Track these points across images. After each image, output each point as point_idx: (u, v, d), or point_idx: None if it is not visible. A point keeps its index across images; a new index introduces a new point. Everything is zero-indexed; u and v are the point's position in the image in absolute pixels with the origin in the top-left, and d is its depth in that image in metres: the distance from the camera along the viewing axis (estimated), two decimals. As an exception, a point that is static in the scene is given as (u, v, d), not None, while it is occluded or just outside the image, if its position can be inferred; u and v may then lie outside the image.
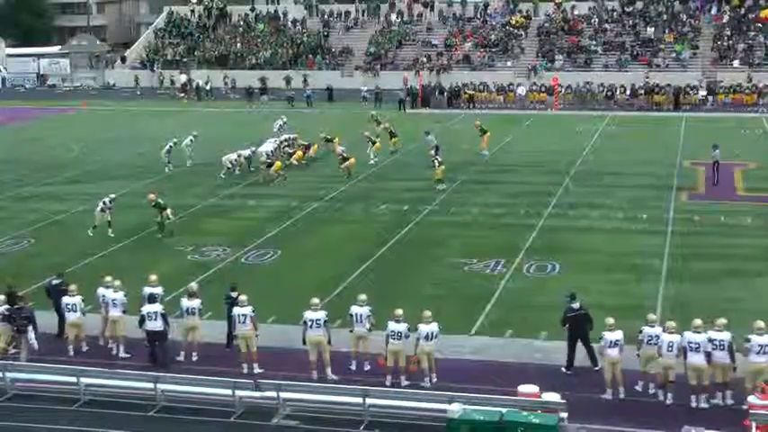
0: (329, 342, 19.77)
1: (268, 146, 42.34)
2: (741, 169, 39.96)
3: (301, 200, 36.06)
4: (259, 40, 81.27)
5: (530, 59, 72.90)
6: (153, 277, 21.84)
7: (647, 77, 66.02)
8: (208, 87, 72.24)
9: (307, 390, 18.15)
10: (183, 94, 72.45)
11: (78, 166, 44.61)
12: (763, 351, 17.75)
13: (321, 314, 19.76)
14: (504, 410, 16.18)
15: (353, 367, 20.14)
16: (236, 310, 20.27)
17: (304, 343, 19.77)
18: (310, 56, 77.99)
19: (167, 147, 42.87)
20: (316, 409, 17.80)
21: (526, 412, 16.14)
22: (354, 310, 20.11)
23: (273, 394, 17.95)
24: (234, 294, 21.21)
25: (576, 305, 20.00)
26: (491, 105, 64.04)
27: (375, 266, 27.62)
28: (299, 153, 43.42)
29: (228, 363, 20.34)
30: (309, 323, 19.70)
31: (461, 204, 35.05)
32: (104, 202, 31.42)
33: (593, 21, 76.60)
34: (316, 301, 20.05)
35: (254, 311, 20.22)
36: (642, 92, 62.77)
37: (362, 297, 20.31)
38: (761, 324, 18.08)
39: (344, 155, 40.86)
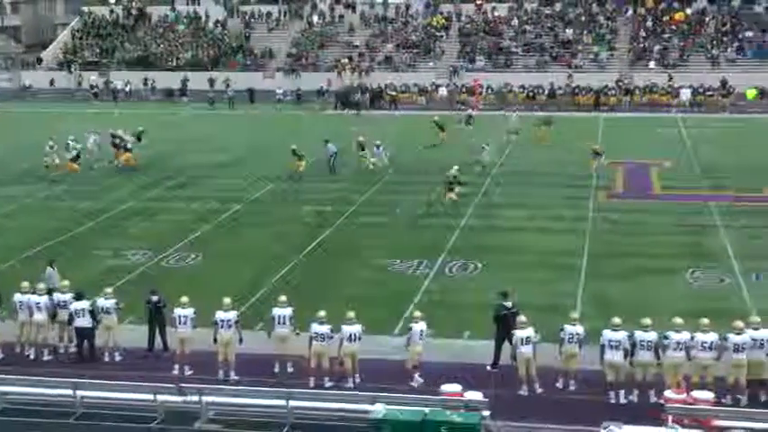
0: (240, 342, 19.77)
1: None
2: (657, 169, 40.69)
3: (223, 202, 35.80)
4: (180, 41, 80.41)
5: (451, 60, 73.39)
6: (65, 282, 21.64)
7: (570, 78, 66.96)
8: (127, 89, 71.28)
9: (230, 393, 17.97)
10: (94, 96, 71.16)
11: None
12: (680, 347, 18.14)
13: (232, 314, 19.79)
14: (427, 410, 16.22)
15: (276, 369, 20.07)
16: (177, 312, 20.21)
17: (215, 342, 19.74)
18: (232, 57, 77.41)
19: (92, 139, 43.43)
20: (239, 412, 17.65)
21: (449, 411, 16.21)
22: (276, 312, 20.06)
23: (196, 398, 17.74)
24: (155, 298, 21.08)
25: (508, 303, 20.20)
26: (414, 106, 64.32)
27: (298, 268, 27.53)
28: (127, 155, 42.94)
29: (151, 367, 20.12)
30: (220, 323, 19.70)
31: (385, 205, 35.11)
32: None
33: (512, 22, 77.41)
34: (227, 300, 20.04)
35: (195, 313, 20.15)
36: (561, 92, 63.72)
37: (283, 299, 20.29)
38: (678, 321, 18.47)
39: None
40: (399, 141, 47.10)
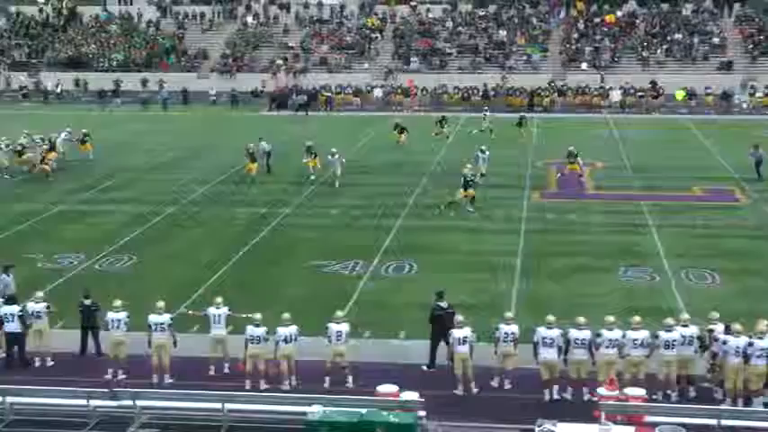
0: (175, 345, 19.67)
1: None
2: (590, 168, 41.19)
3: (157, 204, 35.47)
4: (112, 41, 79.37)
5: (386, 62, 73.54)
6: None
7: (505, 79, 67.51)
8: (58, 90, 70.25)
9: (165, 397, 17.84)
10: (24, 97, 69.97)
11: None
12: (612, 345, 18.40)
13: (165, 317, 19.67)
14: (363, 411, 16.28)
15: (212, 372, 19.96)
16: (111, 315, 19.97)
17: (149, 346, 19.60)
18: (165, 58, 76.66)
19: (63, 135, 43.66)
20: (174, 416, 17.52)
21: (385, 412, 16.27)
22: (212, 311, 20.01)
23: (130, 402, 17.58)
24: (87, 302, 20.87)
25: (444, 303, 20.31)
26: (349, 107, 64.35)
27: (233, 270, 27.40)
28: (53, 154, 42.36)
29: (84, 371, 19.88)
30: (154, 326, 19.58)
31: (319, 206, 35.09)
32: None
33: (447, 24, 77.80)
34: (161, 304, 19.90)
35: (128, 317, 19.95)
36: (494, 93, 64.24)
37: (219, 300, 20.21)
38: (610, 318, 18.73)
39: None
40: (338, 142, 46.99)
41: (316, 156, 39.39)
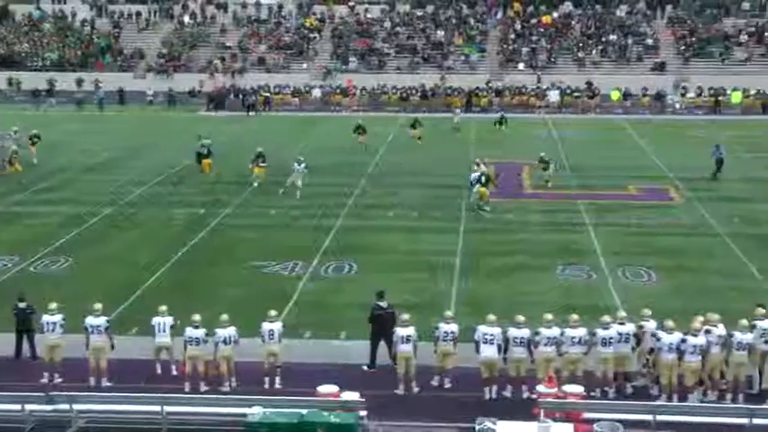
0: (112, 348, 19.47)
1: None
2: (528, 168, 41.53)
3: (94, 205, 35.03)
4: (45, 40, 78.19)
5: (324, 62, 73.45)
6: None
7: (443, 80, 67.78)
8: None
9: (102, 400, 17.63)
10: None
11: None
12: (551, 343, 18.57)
13: (102, 320, 19.44)
14: (304, 411, 16.25)
15: (159, 371, 19.83)
16: (46, 318, 19.68)
17: (87, 349, 19.36)
18: (100, 57, 75.71)
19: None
20: (112, 419, 17.33)
21: (326, 412, 16.26)
22: (156, 320, 19.81)
23: (66, 406, 17.34)
24: (22, 305, 20.54)
25: (383, 303, 20.33)
26: (287, 107, 64.16)
27: (171, 271, 27.17)
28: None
29: (19, 375, 19.57)
30: (91, 329, 19.35)
31: (259, 206, 34.94)
32: None
33: (385, 24, 77.94)
34: (98, 306, 19.67)
35: (64, 320, 19.67)
36: (432, 93, 64.52)
37: (163, 308, 19.94)
38: (548, 317, 18.91)
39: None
40: (278, 143, 46.86)
41: (264, 162, 38.38)
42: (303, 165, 37.27)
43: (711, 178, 39.32)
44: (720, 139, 44.10)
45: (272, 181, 38.34)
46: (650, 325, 18.98)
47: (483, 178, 34.60)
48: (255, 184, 37.83)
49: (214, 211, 34.03)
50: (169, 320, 19.74)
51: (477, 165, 35.87)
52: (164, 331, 19.70)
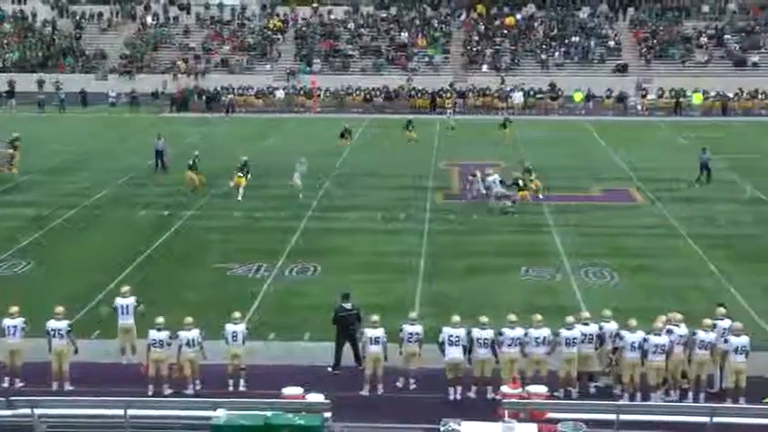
0: (75, 351, 19.34)
1: None
2: (494, 169, 41.52)
3: (57, 207, 34.74)
4: (5, 41, 77.41)
5: (288, 63, 73.32)
6: None
7: (410, 81, 67.86)
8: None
9: (64, 404, 17.47)
10: None
11: None
12: (515, 343, 18.65)
13: (63, 323, 19.31)
14: (269, 414, 16.20)
15: (124, 362, 19.85)
16: (6, 322, 19.50)
17: (50, 352, 19.23)
18: (61, 58, 75.06)
19: None
20: (74, 423, 17.18)
21: (291, 414, 16.22)
22: (119, 301, 20.06)
23: (28, 411, 17.16)
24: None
25: (348, 305, 20.33)
26: (251, 109, 63.96)
27: (135, 273, 26.97)
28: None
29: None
30: (53, 332, 19.22)
31: (223, 208, 34.80)
32: None
33: (349, 25, 77.93)
34: (59, 309, 19.55)
35: (25, 323, 19.47)
36: (396, 95, 64.61)
37: (125, 289, 20.11)
38: (512, 317, 18.98)
39: None
40: (242, 144, 46.74)
41: (248, 173, 36.79)
42: (305, 166, 37.69)
43: (705, 182, 39.05)
44: (681, 141, 44.44)
45: (226, 183, 38.19)
46: (611, 326, 19.12)
47: (520, 182, 35.00)
48: (240, 198, 35.78)
49: (178, 213, 33.87)
50: (131, 301, 20.00)
51: (482, 173, 35.87)
52: (126, 313, 19.71)
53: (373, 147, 48.41)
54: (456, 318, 19.04)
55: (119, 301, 20.43)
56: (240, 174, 36.51)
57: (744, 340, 18.40)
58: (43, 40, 77.37)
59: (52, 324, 19.24)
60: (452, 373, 18.79)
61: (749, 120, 60.12)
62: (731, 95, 63.42)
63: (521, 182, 35.12)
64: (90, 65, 74.83)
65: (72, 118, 60.09)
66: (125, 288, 20.87)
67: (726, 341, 18.55)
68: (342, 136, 48.13)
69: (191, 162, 37.87)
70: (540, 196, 36.18)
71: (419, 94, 64.96)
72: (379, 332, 19.04)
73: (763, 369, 19.24)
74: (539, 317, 19.03)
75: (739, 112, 62.80)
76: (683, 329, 18.73)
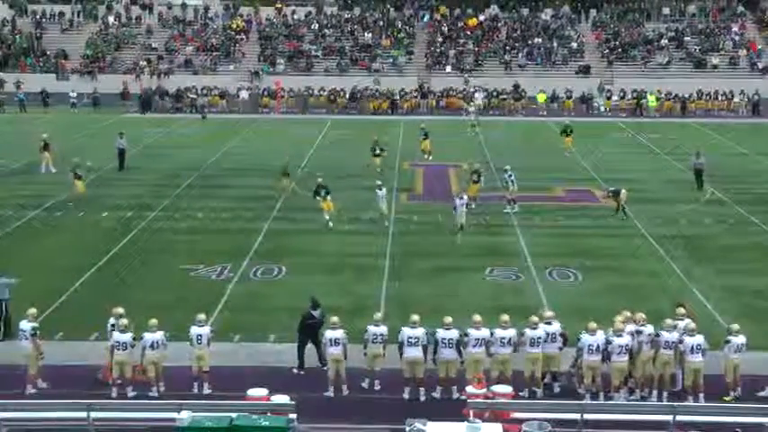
0: (41, 354, 19.15)
1: None
2: (455, 170, 41.77)
3: (17, 209, 34.39)
4: (-36, 41, 76.55)
5: (252, 64, 73.09)
6: None
7: (377, 82, 67.86)
8: None
9: (25, 407, 17.31)
10: None
11: None
12: (480, 344, 18.71)
13: (28, 326, 19.14)
14: (234, 415, 16.15)
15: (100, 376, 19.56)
16: None
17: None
18: (22, 58, 74.26)
19: None
20: (37, 427, 17.03)
21: (256, 416, 16.19)
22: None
23: (-12, 415, 17.00)
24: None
25: (316, 313, 20.30)
26: (215, 109, 63.68)
27: (98, 276, 26.79)
28: None
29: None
30: (20, 335, 19.14)
31: (186, 209, 34.64)
32: None
33: (312, 26, 77.84)
34: (32, 311, 19.42)
35: None
36: (359, 96, 64.62)
37: (120, 311, 19.64)
38: (478, 318, 19.02)
39: None
40: (206, 145, 46.61)
41: (328, 194, 33.14)
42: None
43: (698, 188, 38.68)
44: (642, 140, 44.73)
45: (200, 184, 38.08)
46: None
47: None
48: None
49: (141, 214, 33.65)
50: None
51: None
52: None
53: (336, 146, 48.32)
54: (415, 317, 19.04)
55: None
56: (319, 196, 33.11)
57: (699, 339, 18.61)
58: (3, 39, 76.50)
59: (21, 325, 19.16)
60: (409, 372, 18.79)
61: (707, 120, 60.73)
62: (688, 96, 64.23)
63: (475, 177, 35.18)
64: (51, 65, 73.95)
65: (33, 118, 59.37)
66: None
67: (681, 341, 18.72)
68: (374, 153, 41.97)
69: (283, 169, 37.21)
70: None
71: (383, 96, 64.79)
72: (339, 333, 19.03)
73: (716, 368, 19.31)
74: (505, 317, 19.05)
75: (698, 112, 63.49)
76: (650, 329, 18.88)
